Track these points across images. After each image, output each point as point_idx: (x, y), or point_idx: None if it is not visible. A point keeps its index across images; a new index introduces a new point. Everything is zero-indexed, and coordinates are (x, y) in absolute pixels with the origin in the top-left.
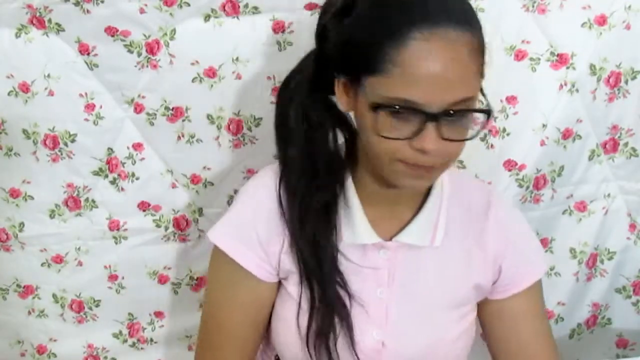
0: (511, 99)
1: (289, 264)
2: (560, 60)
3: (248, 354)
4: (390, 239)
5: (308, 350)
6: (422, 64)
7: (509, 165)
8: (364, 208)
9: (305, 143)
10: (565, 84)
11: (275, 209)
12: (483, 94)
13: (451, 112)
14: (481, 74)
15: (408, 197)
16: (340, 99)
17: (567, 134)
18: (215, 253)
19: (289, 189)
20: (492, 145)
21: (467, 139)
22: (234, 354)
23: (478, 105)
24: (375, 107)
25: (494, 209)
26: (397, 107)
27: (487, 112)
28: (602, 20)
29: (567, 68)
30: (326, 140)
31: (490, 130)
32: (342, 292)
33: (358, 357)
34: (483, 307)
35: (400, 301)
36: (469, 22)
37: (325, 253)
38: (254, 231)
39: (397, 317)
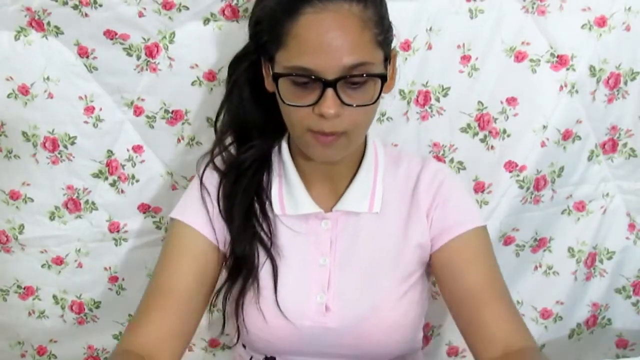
0: (511, 100)
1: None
2: (560, 61)
3: (189, 320)
4: (331, 211)
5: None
6: (313, 33)
7: (510, 166)
8: (304, 183)
9: (235, 114)
10: (565, 85)
11: (217, 186)
12: (387, 64)
13: (347, 76)
14: (379, 44)
15: (342, 170)
16: (266, 80)
17: (567, 135)
18: (168, 230)
19: (226, 165)
20: (492, 147)
21: (366, 105)
22: (176, 316)
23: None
24: (277, 76)
25: (425, 169)
26: (294, 74)
27: (382, 77)
28: (602, 22)
29: (567, 69)
30: (250, 110)
31: (490, 132)
32: (265, 256)
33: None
34: (431, 264)
35: (342, 267)
36: None
37: (257, 221)
38: (202, 204)
39: (339, 282)
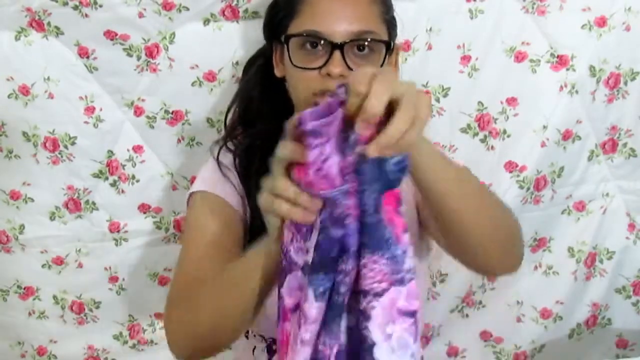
0: (511, 101)
1: None
2: (560, 61)
3: None
4: None
5: None
6: (325, 1)
7: (510, 166)
8: None
9: (246, 102)
10: (566, 86)
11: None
12: (390, 44)
13: (354, 39)
14: (386, 22)
15: None
16: (276, 67)
17: (567, 135)
18: (189, 207)
19: (236, 148)
20: (492, 147)
21: None
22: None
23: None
24: (287, 38)
25: None
26: (304, 34)
27: (386, 44)
28: (602, 22)
29: (567, 70)
30: (259, 106)
31: (490, 132)
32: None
33: None
34: (419, 214)
35: None
36: None
37: None
38: (223, 179)
39: None
